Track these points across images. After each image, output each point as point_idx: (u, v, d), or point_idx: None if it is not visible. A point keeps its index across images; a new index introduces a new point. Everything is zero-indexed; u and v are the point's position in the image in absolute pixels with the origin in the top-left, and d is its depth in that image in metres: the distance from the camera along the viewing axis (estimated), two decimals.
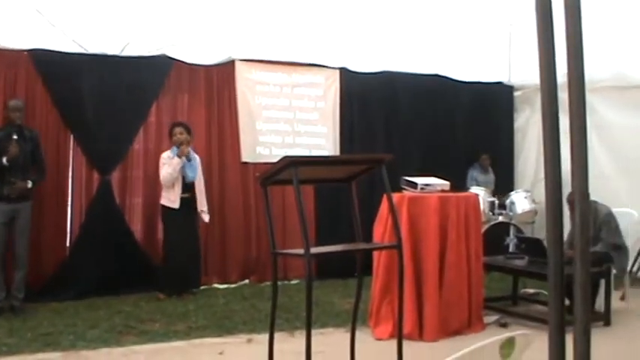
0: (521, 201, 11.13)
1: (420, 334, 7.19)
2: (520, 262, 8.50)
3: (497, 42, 12.11)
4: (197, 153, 9.56)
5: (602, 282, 7.89)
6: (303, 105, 10.99)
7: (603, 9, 9.38)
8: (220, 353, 6.68)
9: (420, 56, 11.47)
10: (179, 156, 9.11)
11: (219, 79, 10.41)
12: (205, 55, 10.28)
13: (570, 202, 2.11)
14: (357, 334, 5.51)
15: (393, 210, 5.16)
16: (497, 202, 11.15)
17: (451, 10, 11.17)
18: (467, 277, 7.48)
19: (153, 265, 9.53)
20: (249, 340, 7.11)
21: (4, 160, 7.98)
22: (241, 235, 10.39)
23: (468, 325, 7.48)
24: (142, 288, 9.24)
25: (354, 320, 5.44)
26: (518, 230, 10.94)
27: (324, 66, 11.11)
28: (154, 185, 9.51)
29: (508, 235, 10.87)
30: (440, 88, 11.90)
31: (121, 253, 9.39)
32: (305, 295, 4.48)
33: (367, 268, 6.92)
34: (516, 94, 12.65)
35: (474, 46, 11.65)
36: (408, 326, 6.96)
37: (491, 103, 12.36)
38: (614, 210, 8.56)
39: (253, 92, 10.61)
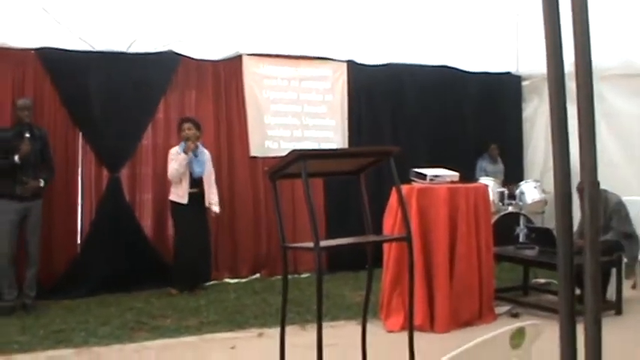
0: (530, 191, 11.10)
1: (431, 326, 7.20)
2: (530, 252, 8.49)
3: (505, 32, 12.08)
4: (206, 148, 9.56)
5: (614, 271, 7.87)
6: (311, 98, 10.98)
7: None
8: (232, 348, 6.70)
9: (427, 47, 11.45)
10: (185, 152, 9.11)
11: (227, 74, 10.41)
12: (212, 50, 10.28)
13: (580, 191, 2.10)
14: (369, 326, 5.51)
15: (402, 202, 5.15)
16: (506, 192, 11.13)
17: (458, 1, 11.15)
18: (477, 267, 7.47)
19: (163, 261, 9.54)
20: (261, 335, 7.12)
21: (16, 158, 8.01)
22: (251, 230, 10.40)
23: (479, 315, 7.48)
24: (153, 284, 9.27)
25: (365, 313, 5.44)
26: (528, 220, 10.92)
27: (331, 59, 11.10)
28: (163, 181, 9.52)
29: (518, 225, 10.87)
30: (447, 79, 11.88)
31: (131, 250, 9.42)
32: (316, 289, 4.48)
33: (377, 261, 6.93)
34: (524, 83, 12.62)
35: (481, 37, 11.63)
36: (419, 318, 6.97)
37: (500, 94, 12.33)
38: (624, 198, 8.54)
39: (261, 86, 10.61)
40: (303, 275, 10.09)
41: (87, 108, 9.35)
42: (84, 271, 9.16)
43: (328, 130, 11.06)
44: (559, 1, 2.18)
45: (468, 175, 10.30)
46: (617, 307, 7.78)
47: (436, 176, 7.68)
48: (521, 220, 10.98)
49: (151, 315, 7.96)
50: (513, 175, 11.94)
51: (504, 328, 2.57)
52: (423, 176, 7.66)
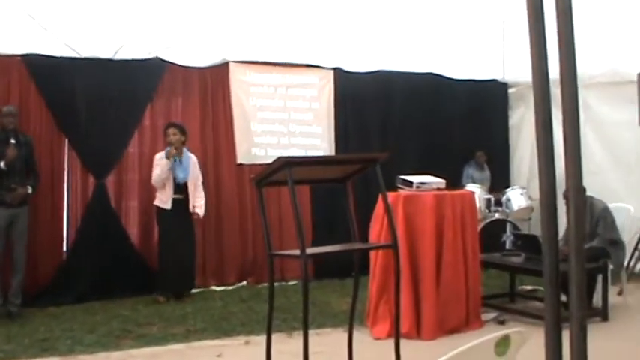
0: (517, 198, 11.14)
1: (417, 333, 7.20)
2: (517, 259, 8.51)
3: (491, 39, 12.11)
4: (192, 153, 9.54)
5: (599, 277, 7.89)
6: (298, 106, 10.98)
7: (596, 4, 9.39)
8: (218, 355, 6.68)
9: (414, 55, 11.48)
10: (167, 157, 9.09)
11: (214, 81, 10.40)
12: (199, 57, 10.26)
13: (567, 198, 2.11)
14: (355, 333, 5.51)
15: (388, 209, 5.15)
16: (493, 199, 11.16)
17: (444, 9, 11.20)
18: (464, 274, 7.48)
19: (150, 269, 9.52)
20: (247, 342, 7.11)
21: (2, 164, 7.98)
22: (238, 237, 10.38)
23: (466, 322, 7.48)
24: (139, 291, 9.25)
25: (351, 320, 5.44)
26: (515, 227, 10.96)
27: (318, 66, 11.11)
28: (149, 188, 9.49)
29: (504, 232, 10.89)
30: (434, 86, 11.91)
31: (117, 257, 9.39)
32: (302, 296, 4.48)
33: (364, 268, 6.92)
34: (511, 91, 12.66)
35: (467, 44, 11.66)
36: (405, 325, 6.96)
37: (486, 101, 12.35)
38: (610, 205, 8.58)
39: (248, 94, 10.60)
40: (290, 282, 10.08)
41: (73, 114, 9.32)
42: (70, 279, 9.13)
43: (315, 137, 11.06)
44: (543, 8, 2.19)
45: (455, 182, 10.32)
46: (603, 314, 7.80)
47: (422, 183, 7.69)
48: (508, 227, 11.01)
49: (137, 322, 7.93)
50: (500, 182, 11.97)
51: (490, 335, 2.57)
52: (410, 183, 7.66)
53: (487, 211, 11.04)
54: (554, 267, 2.16)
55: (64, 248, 9.39)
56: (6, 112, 8.29)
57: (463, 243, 7.49)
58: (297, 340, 6.58)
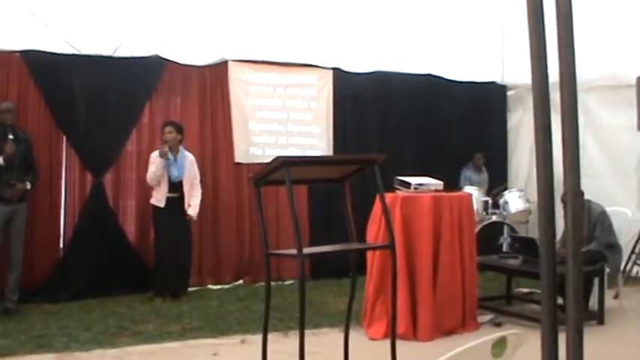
0: (514, 200, 11.15)
1: (414, 334, 7.20)
2: (514, 262, 8.51)
3: (490, 41, 12.11)
4: (189, 152, 9.53)
5: (596, 281, 7.90)
6: (297, 105, 10.98)
7: (595, 8, 9.40)
8: (214, 354, 6.68)
9: (413, 56, 11.47)
10: (160, 156, 9.09)
11: (212, 80, 10.39)
12: (198, 56, 10.26)
13: (564, 201, 2.11)
14: (351, 334, 5.51)
15: (386, 210, 5.16)
16: (490, 201, 11.16)
17: (444, 10, 11.20)
18: (461, 276, 7.48)
19: (146, 267, 9.51)
20: (243, 341, 7.11)
21: (1, 160, 7.98)
22: (235, 236, 10.38)
23: (462, 324, 7.48)
24: (136, 289, 9.25)
25: (347, 320, 5.44)
26: (512, 229, 10.95)
27: (317, 66, 11.10)
28: (147, 187, 9.46)
29: (502, 234, 10.89)
30: (433, 87, 11.91)
31: (114, 255, 9.38)
32: (298, 296, 4.48)
33: (361, 268, 6.93)
34: (509, 93, 12.66)
35: (466, 46, 11.66)
36: (402, 326, 6.97)
37: (485, 103, 12.35)
38: (608, 209, 8.58)
39: (246, 93, 10.60)
40: (287, 282, 10.08)
41: (71, 111, 9.32)
42: (66, 276, 9.12)
43: (313, 137, 11.06)
44: (543, 11, 2.19)
45: (453, 183, 10.33)
46: (600, 317, 7.81)
47: (420, 185, 7.69)
48: (505, 230, 11.00)
49: (133, 320, 7.93)
50: (497, 184, 11.96)
51: (486, 337, 2.57)
52: (407, 184, 7.66)
53: (484, 213, 11.04)
54: (552, 270, 2.15)
55: (61, 245, 9.38)
56: (4, 109, 8.28)
57: (460, 245, 7.50)
58: (293, 339, 6.59)
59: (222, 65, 10.45)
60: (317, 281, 9.72)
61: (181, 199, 9.26)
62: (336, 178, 5.36)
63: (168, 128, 9.26)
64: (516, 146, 12.58)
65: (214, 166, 10.29)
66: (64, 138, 9.35)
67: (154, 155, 9.17)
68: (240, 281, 10.30)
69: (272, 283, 5.10)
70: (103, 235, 9.40)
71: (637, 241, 9.86)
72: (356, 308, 6.23)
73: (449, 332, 7.34)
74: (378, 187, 4.98)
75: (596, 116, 10.78)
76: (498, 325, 7.70)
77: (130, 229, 9.80)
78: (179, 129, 9.33)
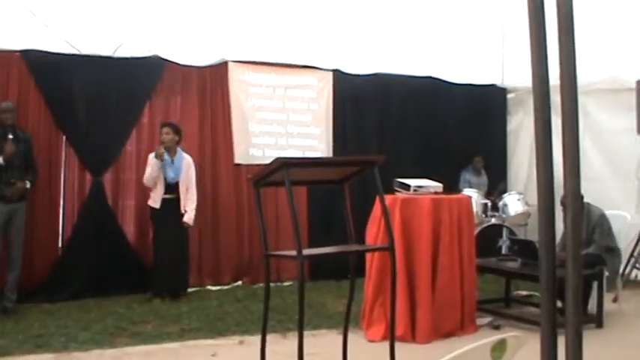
0: (513, 203, 11.16)
1: (412, 336, 7.19)
2: (513, 264, 8.51)
3: (491, 44, 12.11)
4: (190, 154, 9.53)
5: (595, 284, 7.90)
6: (296, 107, 10.98)
7: (596, 11, 9.40)
8: (213, 355, 6.67)
9: (413, 58, 11.47)
10: (156, 157, 9.08)
11: (212, 81, 10.40)
12: (198, 57, 10.26)
13: (564, 204, 2.11)
14: (350, 335, 5.51)
15: (385, 212, 5.16)
16: (490, 204, 11.17)
17: (444, 12, 11.21)
18: (460, 279, 7.48)
19: (145, 267, 9.51)
20: (242, 342, 7.10)
21: (0, 159, 7.97)
22: (234, 237, 10.38)
23: (461, 327, 7.48)
24: (135, 289, 9.25)
25: (346, 322, 5.44)
26: (511, 232, 10.96)
27: (317, 68, 11.11)
28: (146, 187, 9.46)
29: (501, 237, 10.88)
30: (433, 90, 11.92)
31: (113, 255, 9.38)
32: (298, 297, 4.48)
33: (360, 270, 6.92)
34: (509, 96, 12.67)
35: (467, 48, 11.67)
36: (400, 328, 6.96)
37: (485, 106, 12.36)
38: (607, 212, 8.58)
39: (246, 94, 10.60)
40: (286, 283, 10.07)
41: (71, 111, 9.32)
42: (65, 275, 9.12)
43: (313, 138, 11.06)
44: (544, 14, 2.19)
45: (452, 186, 10.33)
46: (598, 321, 7.80)
47: (420, 187, 7.69)
48: (504, 232, 11.00)
49: (132, 320, 7.92)
50: (496, 187, 11.95)
51: (486, 339, 2.57)
52: (407, 186, 7.67)
53: (484, 215, 11.05)
54: (551, 272, 2.15)
55: (60, 245, 9.38)
56: (4, 108, 8.28)
57: (459, 247, 7.49)
58: (291, 341, 6.60)
59: (222, 66, 10.45)
60: (316, 282, 9.71)
61: (177, 200, 9.25)
62: (335, 180, 5.36)
63: (165, 129, 9.26)
64: (516, 149, 12.58)
65: (214, 166, 10.29)
66: (64, 137, 9.36)
67: (151, 156, 9.16)
68: (240, 282, 10.31)
69: (271, 284, 5.10)
70: (102, 234, 9.40)
71: (636, 245, 9.86)
72: (355, 310, 6.22)
73: (447, 334, 7.34)
74: (377, 188, 4.98)
75: (595, 120, 10.78)
76: (497, 327, 7.70)
77: (129, 229, 9.80)
78: (176, 130, 9.32)
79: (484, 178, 12.15)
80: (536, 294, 8.80)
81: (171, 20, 9.68)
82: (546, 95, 2.18)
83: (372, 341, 7.14)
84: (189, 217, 9.30)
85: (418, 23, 11.14)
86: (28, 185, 8.29)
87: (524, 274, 8.25)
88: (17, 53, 9.07)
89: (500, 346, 2.59)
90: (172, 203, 9.22)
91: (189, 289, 9.55)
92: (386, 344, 5.12)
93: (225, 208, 10.31)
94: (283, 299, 8.80)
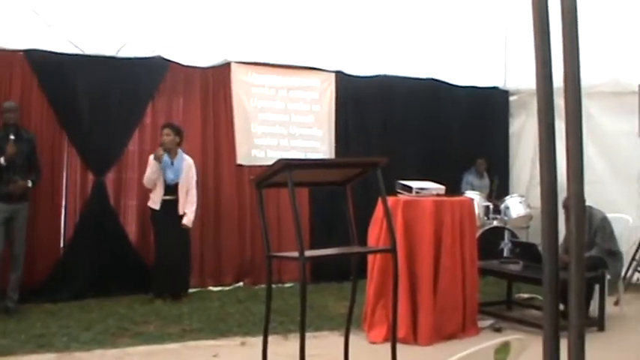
0: (515, 206, 11.15)
1: (414, 338, 7.19)
2: (515, 267, 8.51)
3: (493, 46, 12.11)
4: (192, 155, 9.53)
5: (597, 287, 7.89)
6: (299, 108, 10.98)
7: (599, 14, 9.39)
8: (214, 356, 6.67)
9: (416, 60, 11.48)
10: (155, 159, 9.09)
11: (215, 81, 10.40)
12: (201, 57, 10.26)
13: (566, 207, 2.11)
14: (352, 337, 5.51)
15: (388, 214, 5.16)
16: (492, 206, 11.16)
17: (447, 14, 11.21)
18: (461, 281, 7.47)
19: (147, 267, 9.50)
20: (243, 343, 7.10)
21: (2, 160, 7.98)
22: (236, 238, 10.37)
23: (463, 329, 7.47)
24: (136, 290, 9.24)
25: (348, 323, 5.44)
26: (513, 235, 10.96)
27: (319, 69, 11.11)
28: (149, 189, 9.47)
29: (503, 239, 10.89)
30: (435, 92, 11.91)
31: (115, 255, 9.38)
32: (299, 298, 4.48)
33: (362, 272, 6.93)
34: (512, 98, 12.66)
35: (469, 51, 11.67)
36: (402, 330, 6.96)
37: (487, 108, 12.35)
38: (609, 215, 8.57)
39: (249, 95, 10.60)
40: (287, 285, 10.07)
41: (74, 111, 9.32)
42: (66, 275, 9.11)
43: (315, 140, 11.06)
44: (549, 17, 2.19)
45: (454, 188, 10.32)
46: (600, 324, 7.80)
47: (422, 189, 7.69)
48: (506, 235, 11.00)
49: (134, 321, 7.92)
50: (499, 189, 11.95)
51: (489, 342, 2.57)
52: (409, 188, 7.67)
53: (486, 218, 11.05)
54: (554, 275, 2.15)
55: (62, 245, 9.37)
56: (7, 108, 8.29)
57: (461, 249, 7.49)
58: (293, 342, 6.59)
59: (225, 67, 10.45)
60: (317, 284, 9.70)
61: (177, 201, 9.25)
62: (338, 181, 5.36)
63: (166, 130, 9.26)
64: (518, 152, 12.57)
65: (216, 167, 10.29)
66: (66, 137, 9.35)
67: (152, 158, 9.16)
68: (241, 283, 10.30)
69: (272, 286, 5.10)
70: (103, 234, 9.40)
71: (638, 248, 9.85)
72: (356, 312, 6.22)
73: (449, 337, 7.33)
74: (380, 190, 4.98)
75: (598, 122, 10.77)
76: (498, 330, 7.69)
77: (131, 229, 9.80)
78: (177, 131, 9.32)
79: (486, 181, 12.14)
80: (538, 297, 8.81)
81: (175, 21, 9.69)
82: (550, 98, 2.18)
83: (373, 343, 7.14)
84: (188, 220, 9.29)
85: (421, 25, 11.14)
86: (30, 184, 8.29)
87: (525, 276, 8.24)
88: (20, 53, 9.07)
89: (503, 349, 2.59)
90: (172, 204, 9.21)
91: (191, 290, 9.55)
92: (387, 346, 5.12)
93: (227, 209, 10.31)
94: (285, 301, 8.79)
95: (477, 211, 9.82)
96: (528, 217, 11.15)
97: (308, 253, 4.69)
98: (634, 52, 10.24)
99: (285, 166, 4.49)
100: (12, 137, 8.06)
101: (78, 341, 7.00)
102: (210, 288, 10.00)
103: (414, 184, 7.69)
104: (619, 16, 10.12)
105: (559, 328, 2.17)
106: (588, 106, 10.17)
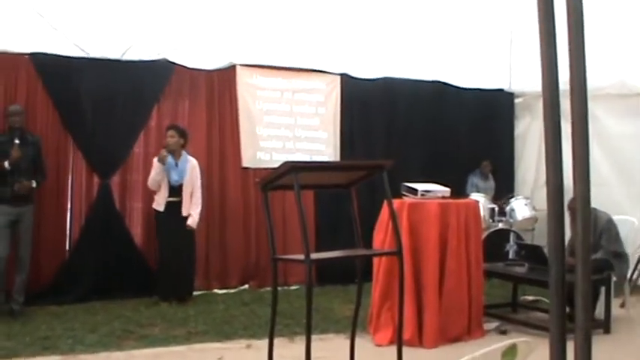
0: (521, 208, 11.13)
1: (419, 341, 7.18)
2: (520, 269, 8.50)
3: (498, 48, 12.11)
4: (197, 158, 9.54)
5: (602, 289, 7.88)
6: (304, 111, 10.98)
7: (605, 16, 9.38)
8: (220, 358, 6.67)
9: (421, 63, 11.48)
10: (158, 160, 9.10)
11: (220, 84, 10.41)
12: (206, 60, 10.27)
13: (571, 209, 2.11)
14: (357, 340, 5.51)
15: (393, 216, 5.16)
16: (497, 208, 11.15)
17: (452, 17, 11.20)
18: (467, 283, 7.47)
19: (152, 270, 9.51)
20: (249, 346, 7.09)
21: (6, 163, 7.99)
22: (241, 240, 10.38)
23: (468, 331, 7.46)
24: (142, 292, 9.24)
25: (354, 326, 5.44)
26: (518, 237, 10.94)
27: (324, 72, 11.11)
28: (154, 190, 9.48)
29: (508, 241, 10.87)
30: (440, 94, 11.91)
31: (120, 258, 9.39)
32: (305, 301, 4.48)
33: (367, 274, 6.92)
34: (517, 100, 12.63)
35: (474, 53, 11.66)
36: (407, 332, 6.95)
37: (492, 110, 12.34)
38: (614, 217, 8.55)
39: (254, 97, 10.61)
40: (293, 287, 10.06)
41: (79, 114, 9.34)
42: (72, 278, 9.13)
43: (320, 142, 11.06)
44: (555, 19, 2.19)
45: (459, 190, 10.32)
46: (606, 326, 7.78)
47: (427, 191, 7.69)
48: (511, 237, 10.99)
49: (139, 323, 7.92)
50: (504, 191, 11.94)
51: (496, 344, 2.57)
52: (414, 191, 7.66)
53: (491, 220, 11.04)
54: (561, 277, 2.15)
55: (67, 247, 9.39)
56: (12, 111, 8.31)
57: (467, 252, 7.48)
58: (298, 345, 6.60)
59: (230, 70, 10.46)
60: (323, 287, 9.71)
61: (181, 203, 9.26)
62: (343, 184, 5.36)
63: (170, 132, 9.28)
64: (523, 154, 12.55)
65: (221, 170, 10.30)
66: (72, 140, 9.37)
67: (156, 160, 9.17)
68: (246, 286, 10.31)
69: (278, 288, 5.10)
70: (109, 237, 9.42)
71: None
72: (362, 314, 6.21)
73: (454, 339, 7.32)
74: (386, 193, 4.98)
75: (603, 125, 10.75)
76: (504, 332, 7.69)
77: (137, 232, 9.81)
78: (182, 133, 9.33)
79: (491, 183, 12.14)
80: (544, 299, 8.80)
81: (180, 24, 9.70)
82: (556, 97, 2.17)
83: (379, 345, 7.13)
84: (193, 221, 9.29)
85: (426, 27, 11.14)
86: (35, 184, 8.29)
87: (531, 279, 8.23)
88: (26, 56, 9.09)
89: (510, 352, 2.59)
90: (176, 206, 9.22)
91: (196, 293, 9.55)
92: (393, 349, 5.12)
93: (232, 212, 10.31)
94: (290, 303, 8.79)
95: (482, 213, 9.81)
96: (534, 220, 11.14)
97: (314, 255, 4.69)
98: (639, 54, 10.22)
99: (291, 168, 4.50)
100: (17, 141, 8.07)
101: (83, 344, 7.00)
102: (216, 290, 10.01)
103: (420, 187, 7.69)
104: (625, 18, 10.10)
105: (566, 331, 2.17)
106: (594, 109, 10.14)
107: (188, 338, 7.36)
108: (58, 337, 7.24)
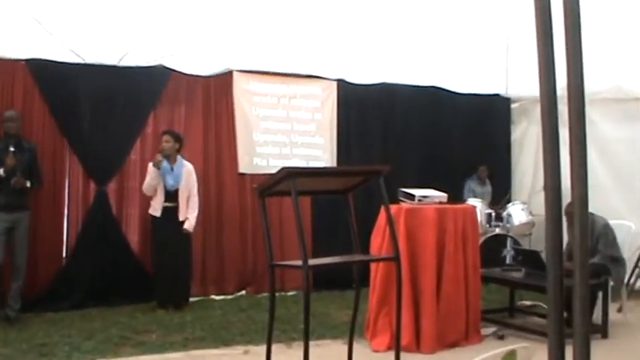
0: (518, 213, 11.14)
1: (417, 346, 7.17)
2: (517, 274, 8.50)
3: (495, 54, 12.12)
4: (194, 163, 9.53)
5: (600, 294, 7.88)
6: (301, 116, 10.98)
7: (602, 21, 9.40)
8: None
9: (418, 68, 11.49)
10: (154, 165, 9.09)
11: (217, 90, 10.40)
12: (203, 66, 10.27)
13: (568, 213, 2.10)
14: (355, 345, 5.52)
15: (390, 222, 5.15)
16: (494, 213, 11.16)
17: (448, 22, 11.21)
18: (464, 288, 7.46)
19: (149, 276, 9.48)
20: (246, 352, 7.07)
21: (1, 171, 7.97)
22: (238, 246, 10.36)
23: (466, 337, 7.46)
24: (138, 299, 9.22)
25: (351, 332, 5.44)
26: (515, 242, 10.94)
27: (321, 77, 11.11)
28: (149, 196, 9.47)
29: (505, 247, 10.86)
30: (437, 99, 11.92)
31: (117, 264, 9.37)
32: (302, 307, 4.47)
33: (364, 280, 6.92)
34: (513, 105, 12.64)
35: (471, 58, 11.67)
36: (405, 338, 6.93)
37: (489, 115, 12.34)
38: (611, 222, 8.55)
39: (251, 103, 10.60)
40: (290, 293, 10.06)
41: (76, 120, 9.33)
42: (68, 285, 9.11)
43: (317, 148, 11.06)
44: (552, 24, 2.19)
45: (456, 195, 10.31)
46: (604, 331, 7.78)
47: (424, 197, 7.69)
48: (508, 242, 10.98)
49: (136, 330, 7.90)
50: (501, 196, 11.94)
51: (494, 350, 2.56)
52: (412, 196, 7.67)
53: (488, 225, 11.04)
54: (559, 281, 2.15)
55: (64, 254, 9.37)
56: (8, 117, 8.29)
57: (464, 257, 7.48)
58: (296, 350, 6.59)
59: (227, 75, 10.46)
60: (320, 292, 9.68)
61: (177, 208, 9.24)
62: (340, 190, 5.36)
63: (165, 137, 9.27)
64: (520, 159, 12.55)
65: (218, 176, 10.29)
66: (68, 146, 9.35)
67: (151, 165, 9.17)
68: (243, 292, 10.29)
69: (275, 294, 5.09)
70: (105, 243, 9.39)
71: None
72: (359, 320, 6.21)
73: (452, 344, 7.31)
74: (383, 198, 4.99)
75: (600, 129, 10.75)
76: (501, 337, 7.68)
77: (133, 238, 9.79)
78: (177, 138, 9.33)
79: (488, 188, 12.14)
80: (541, 304, 8.79)
81: (176, 30, 9.71)
82: (554, 101, 2.17)
83: (376, 351, 7.12)
84: (189, 224, 9.28)
85: (422, 33, 11.14)
86: (28, 184, 8.22)
87: (528, 284, 8.24)
88: (22, 62, 9.08)
89: (510, 357, 2.58)
90: (173, 211, 9.21)
91: (193, 299, 9.54)
92: (391, 354, 5.12)
93: (229, 218, 10.30)
94: (287, 309, 8.79)
95: (479, 218, 9.81)
96: (531, 225, 11.14)
97: (311, 261, 4.69)
98: (636, 59, 10.24)
99: (289, 174, 4.50)
100: (12, 149, 8.04)
101: (80, 351, 6.99)
102: (213, 296, 9.99)
103: (417, 192, 7.69)
104: (621, 23, 10.12)
105: (564, 336, 2.16)
106: (590, 113, 10.05)
107: (185, 345, 7.34)
108: (54, 344, 7.22)
